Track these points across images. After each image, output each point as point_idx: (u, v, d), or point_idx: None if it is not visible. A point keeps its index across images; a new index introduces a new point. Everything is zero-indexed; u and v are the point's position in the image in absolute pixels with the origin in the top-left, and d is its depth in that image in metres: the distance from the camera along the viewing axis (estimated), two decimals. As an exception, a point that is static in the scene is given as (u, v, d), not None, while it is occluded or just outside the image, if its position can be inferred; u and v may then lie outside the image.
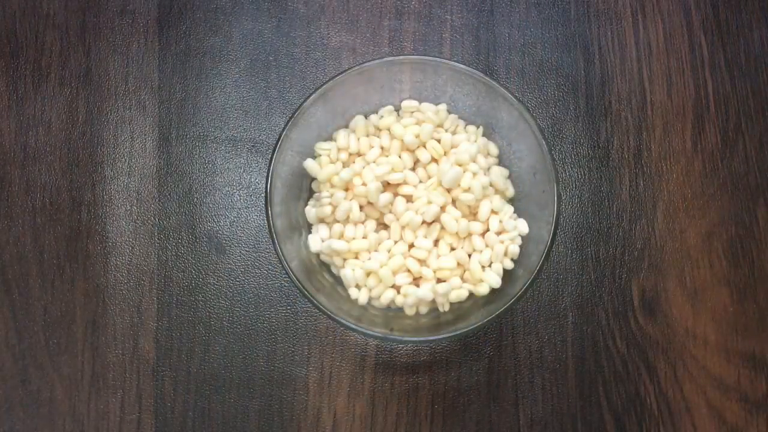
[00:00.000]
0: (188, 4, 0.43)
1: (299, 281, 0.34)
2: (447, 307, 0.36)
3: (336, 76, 0.35)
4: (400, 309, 0.36)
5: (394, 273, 0.35)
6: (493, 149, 0.37)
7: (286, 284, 0.40)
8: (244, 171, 0.41)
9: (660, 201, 0.40)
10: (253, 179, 0.41)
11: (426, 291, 0.35)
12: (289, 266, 0.34)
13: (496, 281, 0.35)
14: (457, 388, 0.39)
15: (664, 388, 0.39)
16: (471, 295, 0.36)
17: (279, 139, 0.35)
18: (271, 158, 0.34)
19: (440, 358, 0.39)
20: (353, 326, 0.33)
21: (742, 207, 0.40)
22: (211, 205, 0.41)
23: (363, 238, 0.36)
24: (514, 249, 0.36)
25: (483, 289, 0.35)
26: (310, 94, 0.35)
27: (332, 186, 0.36)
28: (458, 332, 0.34)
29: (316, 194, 0.37)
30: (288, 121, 0.35)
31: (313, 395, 0.39)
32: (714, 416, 0.38)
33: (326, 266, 0.38)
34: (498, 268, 0.35)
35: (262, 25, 0.42)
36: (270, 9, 0.43)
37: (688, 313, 0.39)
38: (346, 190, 0.36)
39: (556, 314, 0.39)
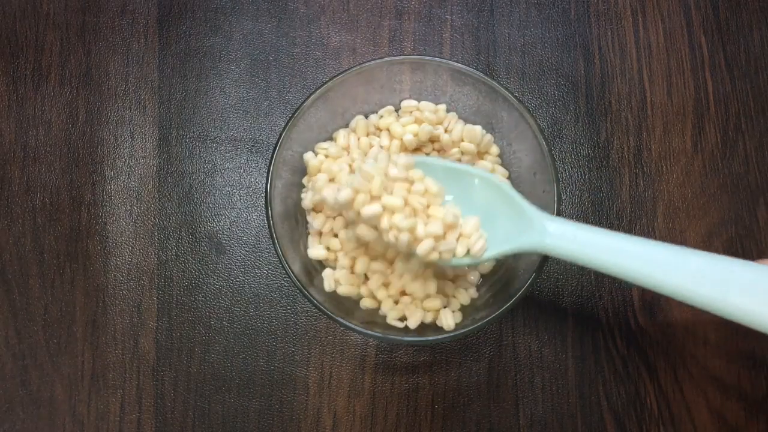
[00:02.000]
0: (188, 4, 0.43)
1: (299, 281, 0.34)
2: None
3: (336, 76, 0.35)
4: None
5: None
6: (494, 149, 0.37)
7: (286, 284, 0.40)
8: (244, 171, 0.41)
9: (660, 201, 0.40)
10: (253, 179, 0.41)
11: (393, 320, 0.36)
12: (289, 266, 0.34)
13: (465, 299, 0.36)
14: (457, 388, 0.39)
15: (664, 388, 0.38)
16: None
17: (279, 138, 0.35)
18: (272, 158, 0.34)
19: (440, 358, 0.39)
20: (353, 326, 0.33)
21: (742, 207, 0.40)
22: (211, 205, 0.41)
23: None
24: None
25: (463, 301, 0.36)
26: (310, 94, 0.35)
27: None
28: (458, 333, 0.34)
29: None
30: (288, 121, 0.35)
31: (313, 395, 0.39)
32: (714, 416, 0.38)
33: (326, 266, 0.37)
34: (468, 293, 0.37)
35: (263, 25, 0.42)
36: (270, 9, 0.43)
37: (688, 313, 0.39)
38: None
39: (556, 314, 0.39)
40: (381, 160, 0.33)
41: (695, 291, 0.26)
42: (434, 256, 0.32)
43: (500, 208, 0.33)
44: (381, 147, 0.37)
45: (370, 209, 0.31)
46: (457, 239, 0.33)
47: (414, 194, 0.33)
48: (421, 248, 0.31)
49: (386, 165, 0.32)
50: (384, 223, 0.32)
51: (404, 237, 0.31)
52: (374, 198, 0.32)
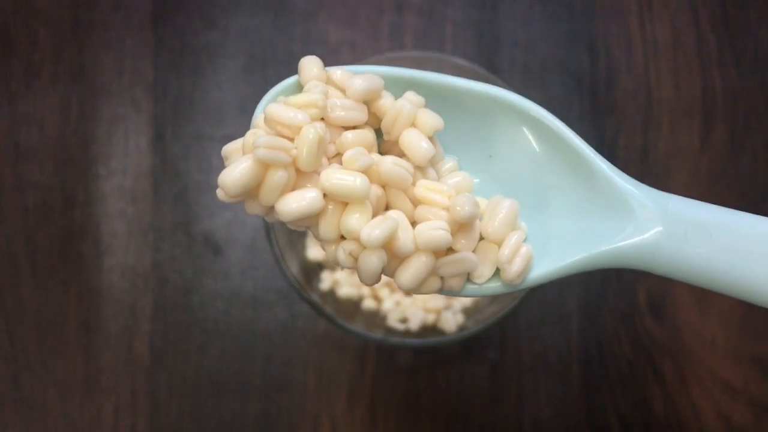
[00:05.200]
0: (184, -2, 0.42)
1: (298, 283, 0.33)
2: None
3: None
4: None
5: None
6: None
7: (285, 286, 0.39)
8: (241, 170, 0.40)
9: (666, 200, 0.40)
10: (250, 178, 0.40)
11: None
12: (287, 267, 0.33)
13: (467, 300, 0.35)
14: (459, 392, 0.38)
15: (672, 392, 0.38)
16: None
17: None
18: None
19: (442, 361, 0.38)
20: (353, 329, 0.33)
21: (750, 206, 0.39)
22: (207, 205, 0.40)
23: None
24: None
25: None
26: (309, 91, 0.34)
27: None
28: (460, 335, 0.33)
29: None
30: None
31: (311, 399, 0.38)
32: (722, 420, 0.38)
33: (325, 267, 0.37)
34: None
35: (260, 20, 0.42)
36: (267, 4, 0.42)
37: (696, 316, 0.39)
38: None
39: (560, 317, 0.39)
40: (311, 82, 0.21)
41: None
42: (432, 285, 0.19)
43: (557, 178, 0.20)
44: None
45: (295, 202, 0.18)
46: (475, 249, 0.20)
47: (389, 157, 0.19)
48: (407, 276, 0.19)
49: (322, 90, 0.20)
50: (326, 230, 0.19)
51: (372, 261, 0.18)
52: (303, 175, 0.19)
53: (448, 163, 0.21)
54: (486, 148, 0.21)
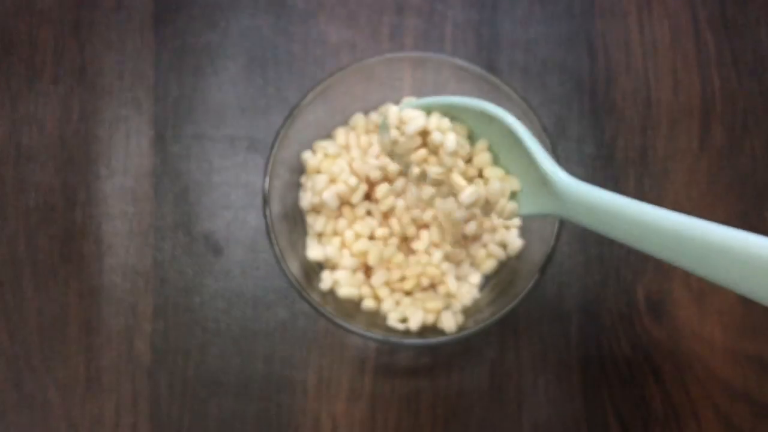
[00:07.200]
0: (184, -1, 0.42)
1: (298, 282, 0.33)
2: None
3: (335, 73, 0.34)
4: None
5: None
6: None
7: (285, 286, 0.39)
8: (241, 170, 0.40)
9: (666, 201, 0.40)
10: (250, 178, 0.40)
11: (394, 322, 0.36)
12: (287, 267, 0.33)
13: (467, 300, 0.36)
14: (459, 392, 0.38)
15: (671, 392, 0.38)
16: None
17: (277, 137, 0.34)
18: (269, 157, 0.34)
19: (442, 361, 0.38)
20: (353, 329, 0.33)
21: (749, 207, 0.40)
22: (207, 205, 0.40)
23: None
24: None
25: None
26: (309, 92, 0.34)
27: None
28: (460, 335, 0.33)
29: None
30: (286, 119, 0.34)
31: (311, 399, 0.38)
32: (721, 420, 0.38)
33: (325, 267, 0.37)
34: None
35: (260, 21, 0.42)
36: (268, 5, 0.42)
37: (695, 316, 0.38)
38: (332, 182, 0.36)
39: (560, 317, 0.39)
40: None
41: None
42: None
43: (512, 155, 0.30)
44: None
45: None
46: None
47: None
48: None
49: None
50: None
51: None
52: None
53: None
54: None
